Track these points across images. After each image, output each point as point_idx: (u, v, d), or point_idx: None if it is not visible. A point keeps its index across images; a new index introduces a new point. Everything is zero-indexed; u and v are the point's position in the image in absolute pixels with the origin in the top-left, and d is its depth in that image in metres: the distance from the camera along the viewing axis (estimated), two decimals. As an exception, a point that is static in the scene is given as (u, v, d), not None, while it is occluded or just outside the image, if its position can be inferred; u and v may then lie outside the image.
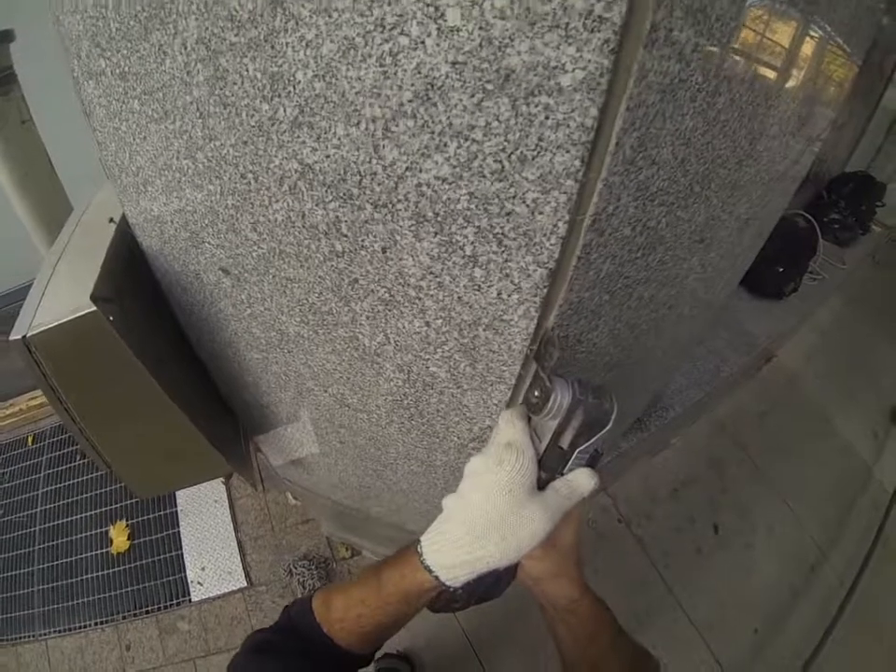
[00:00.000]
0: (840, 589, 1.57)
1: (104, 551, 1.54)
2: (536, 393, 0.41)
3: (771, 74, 0.47)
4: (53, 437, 1.85)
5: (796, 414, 2.22)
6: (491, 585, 0.49)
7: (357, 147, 0.41)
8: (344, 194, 0.44)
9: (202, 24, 0.42)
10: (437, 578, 0.43)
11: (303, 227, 0.48)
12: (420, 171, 0.40)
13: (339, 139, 0.41)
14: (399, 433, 0.70)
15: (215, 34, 0.41)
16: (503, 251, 0.42)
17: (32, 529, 1.62)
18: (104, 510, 1.61)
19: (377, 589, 0.47)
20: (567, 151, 0.35)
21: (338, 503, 1.12)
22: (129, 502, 1.61)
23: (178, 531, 1.59)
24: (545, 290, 0.43)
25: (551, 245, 0.40)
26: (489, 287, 0.45)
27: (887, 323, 3.23)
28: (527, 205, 0.39)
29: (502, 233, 0.41)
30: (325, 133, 0.41)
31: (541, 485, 0.43)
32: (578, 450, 0.42)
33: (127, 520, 1.58)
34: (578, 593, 0.49)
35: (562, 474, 0.43)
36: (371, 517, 1.07)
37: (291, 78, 0.40)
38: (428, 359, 0.54)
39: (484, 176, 0.38)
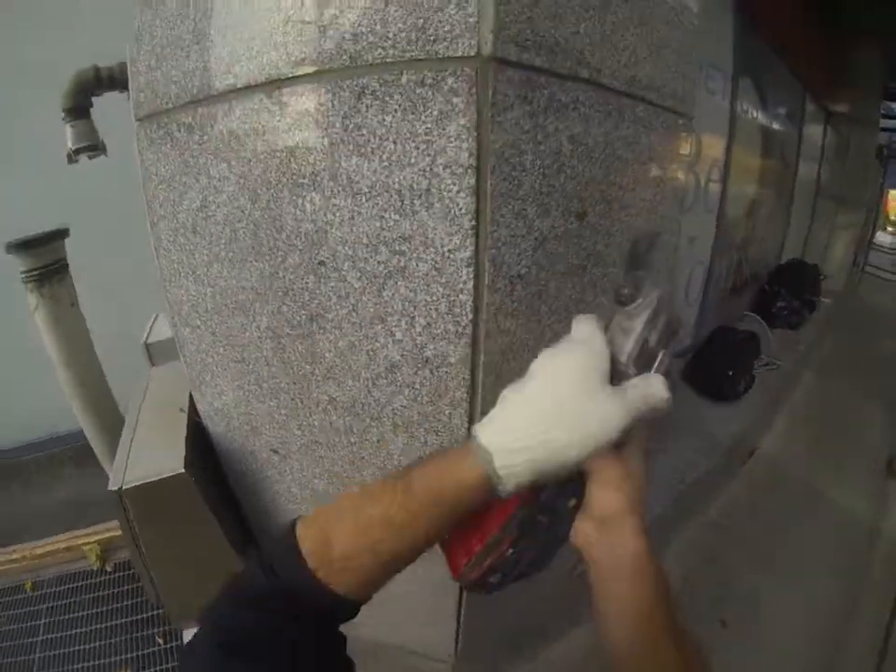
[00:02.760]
0: (872, 656, 1.68)
1: None
2: (625, 288, 0.48)
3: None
4: (56, 585, 2.01)
5: (789, 498, 2.47)
6: (543, 546, 0.50)
7: (359, 391, 0.83)
8: (353, 413, 0.86)
9: (270, 320, 0.87)
10: (489, 465, 0.42)
11: (331, 429, 0.90)
12: (392, 403, 0.82)
13: (349, 387, 0.84)
14: None
15: (278, 326, 0.86)
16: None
17: None
18: (108, 660, 1.72)
19: (403, 499, 0.44)
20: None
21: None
22: (136, 654, 1.72)
23: None
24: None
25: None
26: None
27: (858, 384, 3.73)
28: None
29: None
30: (342, 384, 0.84)
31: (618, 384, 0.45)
32: (662, 352, 0.47)
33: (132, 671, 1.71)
34: (645, 546, 0.45)
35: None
36: (378, 645, 1.34)
37: (323, 355, 0.84)
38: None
39: (422, 402, 0.81)
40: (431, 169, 0.64)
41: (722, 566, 2.10)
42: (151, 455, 1.02)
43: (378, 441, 0.88)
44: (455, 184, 0.64)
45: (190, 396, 1.13)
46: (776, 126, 3.00)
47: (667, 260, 0.97)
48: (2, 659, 1.80)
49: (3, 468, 2.57)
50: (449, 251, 0.68)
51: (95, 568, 2.05)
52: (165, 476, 0.97)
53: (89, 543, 2.08)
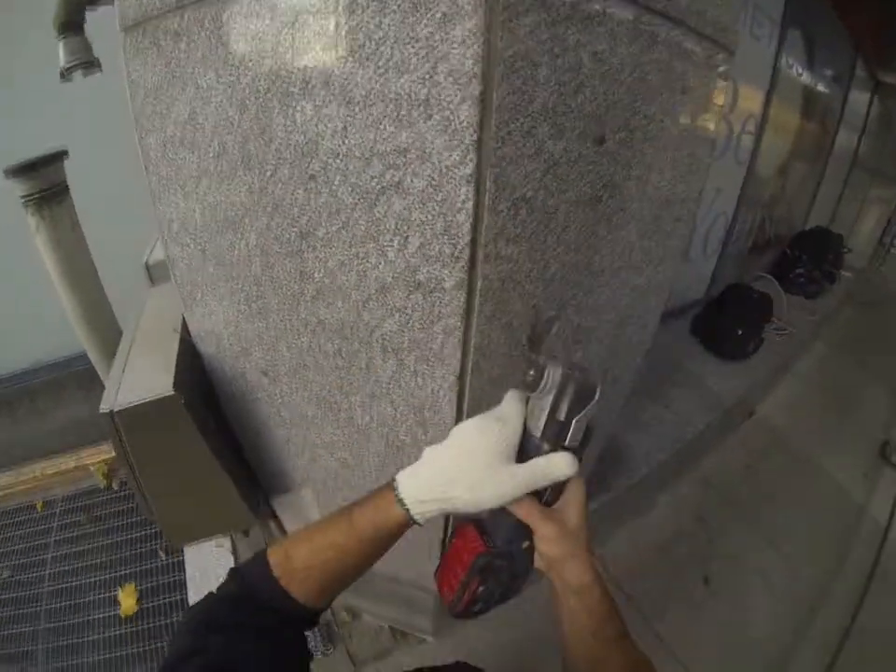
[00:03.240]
0: (840, 628, 1.82)
1: (112, 613, 1.78)
2: (531, 372, 0.53)
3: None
4: (64, 503, 2.16)
5: (782, 463, 2.58)
6: (509, 582, 0.60)
7: (348, 313, 0.83)
8: (342, 336, 0.86)
9: (259, 237, 0.85)
10: (408, 511, 0.54)
11: (319, 352, 0.91)
12: (382, 327, 0.82)
13: (338, 308, 0.83)
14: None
15: (267, 244, 0.85)
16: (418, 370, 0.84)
17: (39, 590, 1.88)
18: (113, 574, 1.87)
19: (348, 528, 0.56)
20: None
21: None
22: (139, 567, 1.87)
23: (186, 596, 1.93)
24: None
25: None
26: (423, 389, 0.86)
27: (867, 363, 3.84)
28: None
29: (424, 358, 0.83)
30: (331, 305, 0.84)
31: (531, 457, 0.54)
32: (575, 420, 0.54)
33: (136, 584, 1.84)
34: (590, 577, 0.57)
35: (564, 447, 0.54)
36: (372, 572, 1.41)
37: (312, 275, 0.83)
38: (398, 430, 0.95)
39: (413, 328, 0.81)
40: (432, 77, 0.60)
41: (710, 524, 2.18)
42: (143, 376, 1.05)
43: (367, 367, 0.88)
44: (457, 94, 0.60)
45: (183, 316, 1.14)
46: (820, 87, 2.84)
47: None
48: (16, 574, 1.95)
49: (9, 392, 2.64)
50: (448, 167, 0.64)
51: (102, 487, 2.16)
52: (155, 397, 0.99)
53: (96, 463, 2.16)
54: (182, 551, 1.86)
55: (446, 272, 0.72)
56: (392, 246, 0.74)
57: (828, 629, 1.87)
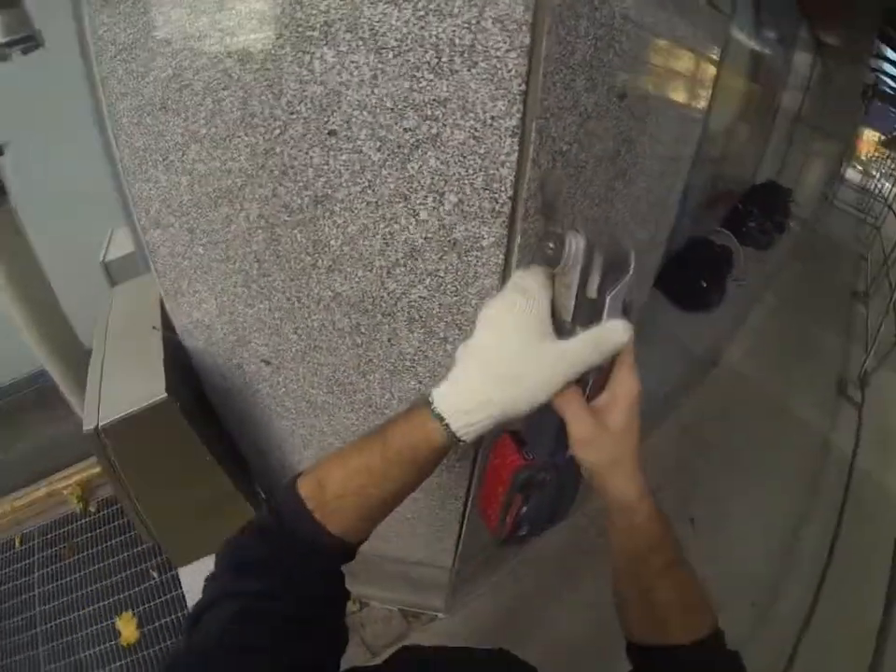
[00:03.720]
0: (822, 555, 1.99)
1: (112, 644, 1.66)
2: (550, 245, 0.46)
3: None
4: (43, 535, 1.98)
5: (751, 407, 2.81)
6: (555, 498, 0.55)
7: (370, 283, 0.79)
8: (362, 310, 0.82)
9: (262, 207, 0.79)
10: (447, 427, 0.48)
11: (333, 330, 0.86)
12: (409, 295, 0.79)
13: (358, 278, 0.80)
14: None
15: (273, 214, 0.79)
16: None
17: (32, 631, 1.73)
18: (107, 602, 1.74)
19: (382, 450, 0.51)
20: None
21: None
22: (132, 591, 1.75)
23: (187, 613, 1.80)
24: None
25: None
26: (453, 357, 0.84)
27: (816, 308, 4.37)
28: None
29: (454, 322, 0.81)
30: (349, 276, 0.80)
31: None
32: (608, 296, 0.47)
33: (133, 609, 1.74)
34: (635, 494, 0.52)
35: None
36: (376, 556, 1.38)
37: (328, 244, 0.78)
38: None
39: (445, 292, 0.78)
40: (478, 22, 0.58)
41: (692, 468, 2.33)
42: (126, 384, 0.96)
43: (389, 341, 0.85)
44: (505, 41, 0.58)
45: (163, 311, 1.05)
46: (767, 49, 3.01)
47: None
48: (4, 620, 1.79)
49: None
50: (492, 118, 0.63)
51: (79, 511, 2.01)
52: (146, 405, 0.91)
53: (68, 487, 2.02)
54: (174, 567, 1.76)
55: (486, 229, 0.71)
56: (425, 205, 0.71)
57: (812, 556, 2.04)
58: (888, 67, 7.80)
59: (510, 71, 0.60)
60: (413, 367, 0.86)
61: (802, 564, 2.02)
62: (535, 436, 0.56)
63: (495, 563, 1.63)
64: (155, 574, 1.76)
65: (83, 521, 1.99)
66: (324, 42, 0.64)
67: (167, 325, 1.04)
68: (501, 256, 0.72)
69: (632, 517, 0.52)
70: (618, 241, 0.49)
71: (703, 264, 2.61)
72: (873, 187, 12.60)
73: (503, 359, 0.48)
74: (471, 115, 0.63)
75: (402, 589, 1.49)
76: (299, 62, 0.66)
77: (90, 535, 1.94)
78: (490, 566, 1.61)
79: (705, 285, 2.59)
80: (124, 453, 0.95)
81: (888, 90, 8.93)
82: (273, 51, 0.66)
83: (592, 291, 0.47)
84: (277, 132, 0.72)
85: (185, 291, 0.96)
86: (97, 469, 1.92)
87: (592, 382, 0.51)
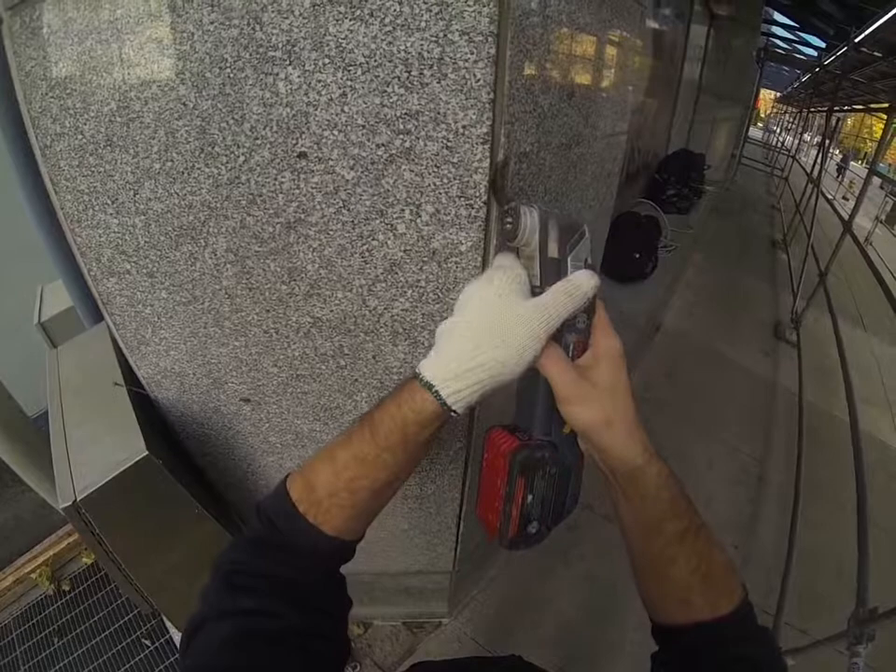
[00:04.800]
0: (788, 485, 2.18)
1: None
2: (508, 220, 0.52)
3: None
4: (21, 626, 1.85)
5: (696, 362, 3.10)
6: (559, 481, 0.54)
7: (351, 303, 0.81)
8: (344, 331, 0.84)
9: (230, 240, 0.79)
10: (437, 395, 0.48)
11: (315, 356, 0.87)
12: (392, 309, 0.82)
13: (338, 300, 0.81)
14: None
15: (242, 246, 0.79)
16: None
17: None
18: None
19: (370, 436, 0.51)
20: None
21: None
22: (129, 665, 1.67)
23: None
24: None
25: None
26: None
27: (742, 261, 4.91)
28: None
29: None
30: (329, 299, 0.81)
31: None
32: (569, 257, 0.52)
33: None
34: (639, 452, 0.51)
35: None
36: (377, 575, 1.39)
37: (304, 269, 0.79)
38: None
39: (427, 301, 0.82)
40: (446, 35, 0.61)
41: (651, 431, 2.46)
42: (97, 448, 0.92)
43: (374, 357, 0.87)
44: (472, 52, 0.62)
45: (123, 364, 1.02)
46: (665, 26, 3.25)
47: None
48: None
49: None
50: (464, 127, 0.66)
51: (52, 593, 1.89)
52: (126, 467, 0.88)
53: (36, 569, 1.89)
54: (166, 628, 1.69)
55: (463, 234, 0.74)
56: (403, 218, 0.74)
57: (780, 491, 2.26)
58: (777, 30, 8.54)
59: (478, 81, 0.64)
60: (401, 380, 0.89)
61: (771, 500, 2.24)
62: (527, 418, 0.57)
63: (489, 557, 1.69)
64: (148, 642, 1.70)
65: (60, 602, 1.89)
66: (288, 62, 0.65)
67: (129, 378, 1.01)
68: (479, 258, 0.76)
69: (640, 481, 0.51)
70: (567, 213, 0.55)
71: (633, 236, 2.80)
72: (774, 141, 13.66)
73: (488, 322, 0.50)
74: (443, 126, 0.66)
75: (404, 602, 1.52)
76: (262, 84, 0.67)
77: (71, 615, 1.84)
78: (485, 560, 1.66)
79: (638, 256, 2.78)
80: (108, 522, 0.92)
81: (779, 51, 9.75)
82: (232, 75, 0.67)
83: (553, 251, 0.52)
84: (242, 159, 0.72)
85: (149, 340, 0.94)
86: (63, 544, 1.84)
87: (573, 345, 0.54)
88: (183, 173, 0.75)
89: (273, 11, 0.63)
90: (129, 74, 0.70)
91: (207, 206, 0.77)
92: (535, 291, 0.52)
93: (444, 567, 1.34)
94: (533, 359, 0.50)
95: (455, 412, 0.49)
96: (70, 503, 0.86)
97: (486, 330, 0.49)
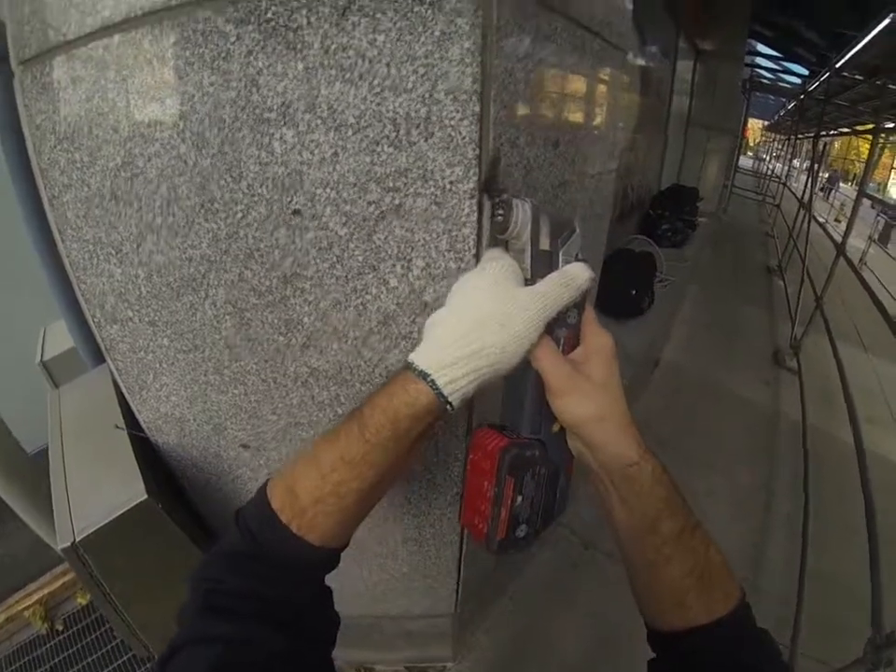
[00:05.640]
0: (795, 512, 2.10)
1: None
2: (500, 212, 0.51)
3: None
4: (11, 665, 1.78)
5: (697, 395, 3.01)
6: (549, 481, 0.52)
7: (346, 354, 0.80)
8: (340, 381, 0.82)
9: (229, 292, 0.79)
10: (433, 384, 0.44)
11: (313, 404, 0.86)
12: (386, 360, 0.80)
13: (334, 351, 0.80)
14: (395, 524, 1.06)
15: (241, 298, 0.78)
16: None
17: None
18: None
19: (358, 432, 0.46)
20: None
21: (344, 618, 1.38)
22: None
23: None
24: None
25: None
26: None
27: (738, 290, 4.84)
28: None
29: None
30: (325, 350, 0.80)
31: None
32: (561, 251, 0.52)
33: None
34: (635, 449, 0.48)
35: None
36: (376, 618, 1.36)
37: (300, 321, 0.79)
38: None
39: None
40: (432, 95, 0.61)
41: None
42: (98, 489, 0.91)
43: (372, 406, 0.86)
44: (458, 111, 0.62)
45: (124, 407, 1.01)
46: (652, 64, 3.30)
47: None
48: None
49: None
50: (451, 183, 0.66)
51: (45, 632, 1.83)
52: (126, 509, 0.86)
53: (29, 608, 1.84)
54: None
55: (453, 286, 0.74)
56: (395, 273, 0.73)
57: (788, 519, 2.18)
58: (761, 61, 8.67)
59: (464, 138, 0.64)
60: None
61: (780, 530, 2.16)
62: (514, 417, 0.54)
63: (492, 598, 1.63)
64: (146, 682, 1.63)
65: (53, 642, 1.82)
66: (283, 123, 0.65)
67: (129, 422, 1.00)
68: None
69: (635, 478, 0.48)
70: (559, 211, 0.54)
71: (628, 273, 2.78)
72: (765, 169, 13.76)
73: (485, 308, 0.47)
74: (431, 182, 0.66)
75: (406, 646, 1.46)
76: (258, 144, 0.67)
77: (63, 655, 1.78)
78: (488, 602, 1.61)
79: (634, 292, 2.76)
80: (106, 563, 0.90)
81: (764, 81, 9.88)
82: (230, 135, 0.67)
83: (545, 244, 0.52)
84: (239, 215, 0.72)
85: (150, 386, 0.93)
86: (58, 584, 1.80)
87: (563, 340, 0.53)
88: (184, 227, 0.75)
89: (268, 74, 0.63)
90: (133, 132, 0.71)
91: (207, 260, 0.77)
92: (526, 284, 0.52)
93: (446, 609, 1.30)
94: (530, 347, 0.48)
95: (450, 404, 0.46)
96: (69, 543, 0.85)
97: (484, 317, 0.47)
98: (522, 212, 0.51)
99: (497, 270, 0.50)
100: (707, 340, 3.70)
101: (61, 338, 1.30)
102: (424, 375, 0.45)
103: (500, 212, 0.51)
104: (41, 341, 1.37)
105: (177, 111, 0.68)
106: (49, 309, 1.19)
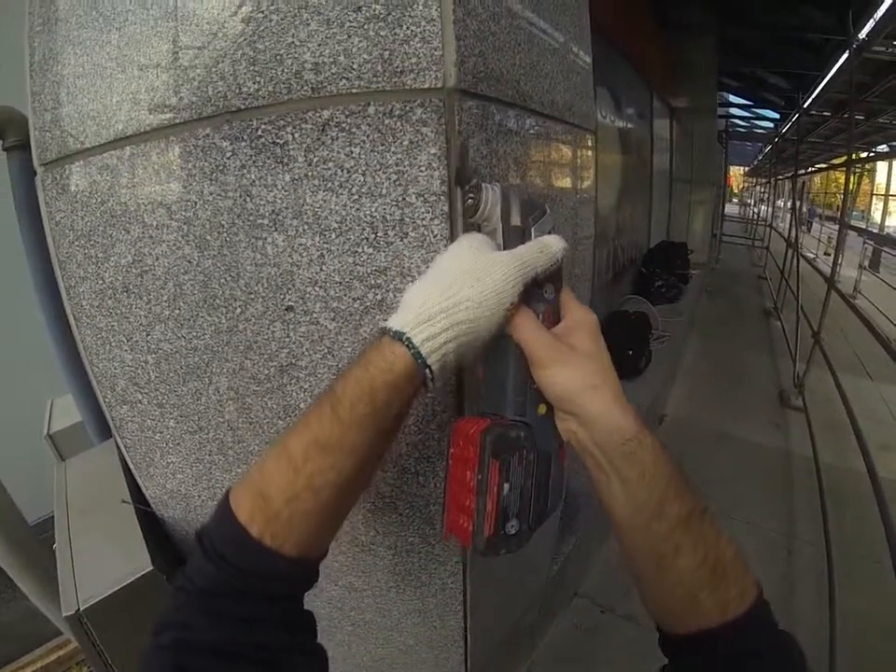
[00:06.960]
0: (819, 552, 2.00)
1: None
2: (470, 195, 0.52)
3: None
4: None
5: (706, 447, 2.91)
6: (538, 467, 0.47)
7: (342, 431, 0.82)
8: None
9: (231, 380, 0.80)
10: (410, 344, 0.41)
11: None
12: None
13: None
14: (397, 594, 1.04)
15: (242, 385, 0.80)
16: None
17: None
18: None
19: (332, 412, 0.41)
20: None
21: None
22: None
23: None
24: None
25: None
26: (426, 487, 0.86)
27: (736, 334, 4.75)
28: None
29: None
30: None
31: None
32: (533, 228, 0.51)
33: None
34: (632, 421, 0.43)
35: None
36: None
37: (297, 406, 0.79)
38: (406, 535, 0.92)
39: (409, 433, 0.81)
40: (404, 199, 0.64)
41: None
42: (103, 560, 0.90)
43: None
44: (428, 212, 0.65)
45: (130, 482, 1.01)
46: (630, 125, 3.41)
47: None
48: None
49: None
50: (425, 278, 0.69)
51: None
52: (131, 580, 0.86)
53: None
54: None
55: (433, 373, 0.75)
56: (381, 361, 0.75)
57: (812, 561, 2.08)
58: (734, 110, 8.92)
59: (435, 236, 0.66)
60: (393, 502, 0.87)
61: (805, 571, 2.06)
62: (496, 400, 0.49)
63: (507, 668, 1.56)
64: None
65: None
66: (274, 228, 0.69)
67: (136, 496, 1.01)
68: (451, 395, 0.76)
69: (636, 454, 0.42)
70: (530, 195, 0.53)
71: (624, 334, 2.77)
72: (751, 214, 13.89)
73: (461, 267, 0.45)
74: (409, 278, 0.68)
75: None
76: (253, 247, 0.70)
77: None
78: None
79: (631, 352, 2.74)
80: (110, 633, 0.88)
81: (739, 129, 10.13)
82: (228, 238, 0.71)
83: (515, 219, 0.50)
84: (238, 310, 0.75)
85: (157, 463, 0.94)
86: (53, 657, 1.73)
87: (542, 316, 0.50)
88: (189, 319, 0.78)
89: (260, 185, 0.67)
90: (143, 233, 0.75)
91: (210, 350, 0.79)
92: None
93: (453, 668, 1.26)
94: (511, 306, 0.44)
95: (430, 368, 0.41)
96: (73, 612, 0.84)
97: (460, 273, 0.44)
98: (492, 193, 0.51)
99: (471, 239, 0.49)
100: (711, 389, 3.62)
101: (67, 412, 1.32)
102: (399, 336, 0.41)
103: (471, 195, 0.52)
104: (48, 414, 1.38)
105: (182, 216, 0.72)
106: (52, 384, 1.20)
